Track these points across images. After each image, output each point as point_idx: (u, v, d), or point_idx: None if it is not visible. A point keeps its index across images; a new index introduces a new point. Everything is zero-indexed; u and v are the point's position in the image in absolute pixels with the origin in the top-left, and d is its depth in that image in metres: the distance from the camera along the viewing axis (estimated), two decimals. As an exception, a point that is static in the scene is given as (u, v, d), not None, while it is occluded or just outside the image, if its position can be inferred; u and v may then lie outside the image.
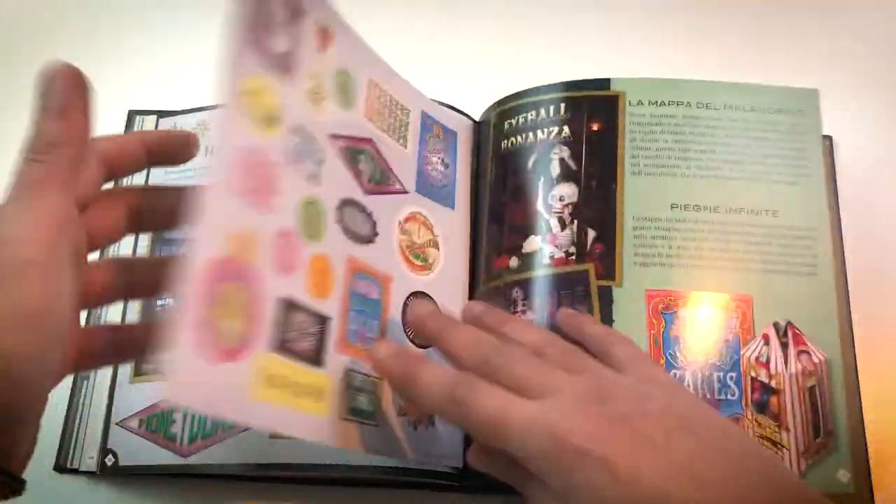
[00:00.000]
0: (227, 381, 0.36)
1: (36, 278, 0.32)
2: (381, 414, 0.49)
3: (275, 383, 0.39)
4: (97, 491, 0.54)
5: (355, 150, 0.49)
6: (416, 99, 0.57)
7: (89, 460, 0.53)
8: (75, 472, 0.54)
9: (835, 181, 0.59)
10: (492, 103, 0.61)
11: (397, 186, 0.53)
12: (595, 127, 0.57)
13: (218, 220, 0.36)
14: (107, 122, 0.46)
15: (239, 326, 0.37)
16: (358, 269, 0.48)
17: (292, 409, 0.40)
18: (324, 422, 0.43)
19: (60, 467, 0.54)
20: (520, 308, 0.54)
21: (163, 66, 0.70)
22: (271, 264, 0.39)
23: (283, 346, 0.40)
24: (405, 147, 0.55)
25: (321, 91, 0.46)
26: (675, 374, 0.51)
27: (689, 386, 0.51)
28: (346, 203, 0.47)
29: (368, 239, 0.49)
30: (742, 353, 0.52)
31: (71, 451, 0.54)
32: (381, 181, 0.52)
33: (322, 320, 0.44)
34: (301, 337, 0.41)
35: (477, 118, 0.63)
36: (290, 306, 0.41)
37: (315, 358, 0.43)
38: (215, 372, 0.35)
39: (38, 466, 0.51)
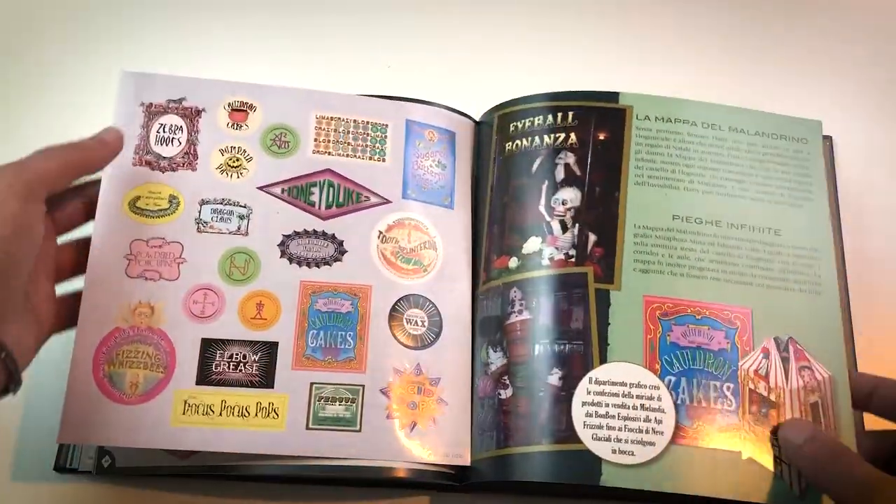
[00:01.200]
0: (147, 417, 0.49)
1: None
2: (363, 420, 0.51)
3: (202, 411, 0.50)
4: (97, 491, 0.54)
5: (303, 187, 0.56)
6: (395, 112, 0.60)
7: (89, 460, 0.53)
8: (74, 472, 0.53)
9: (835, 181, 0.59)
10: (494, 105, 0.62)
11: (372, 200, 0.57)
12: (602, 136, 0.57)
13: (101, 305, 0.50)
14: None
15: (148, 374, 0.50)
16: (318, 290, 0.54)
17: (236, 428, 0.49)
18: (284, 435, 0.50)
19: (60, 467, 0.54)
20: (517, 308, 0.53)
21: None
22: (186, 317, 0.51)
23: (212, 379, 0.50)
24: (383, 161, 0.58)
25: (240, 158, 0.56)
26: (670, 381, 0.50)
27: (683, 392, 0.50)
28: (294, 236, 0.55)
29: (332, 258, 0.55)
30: (740, 364, 0.51)
31: (70, 451, 0.54)
32: (347, 202, 0.56)
33: (266, 346, 0.52)
34: (238, 366, 0.51)
35: (477, 118, 0.63)
36: (216, 343, 0.51)
37: (261, 380, 0.51)
38: (130, 412, 0.49)
39: (38, 466, 0.54)
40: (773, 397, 0.50)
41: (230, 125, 0.57)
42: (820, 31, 0.71)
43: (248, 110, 0.57)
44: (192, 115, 0.56)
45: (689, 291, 0.53)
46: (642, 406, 0.50)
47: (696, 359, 0.51)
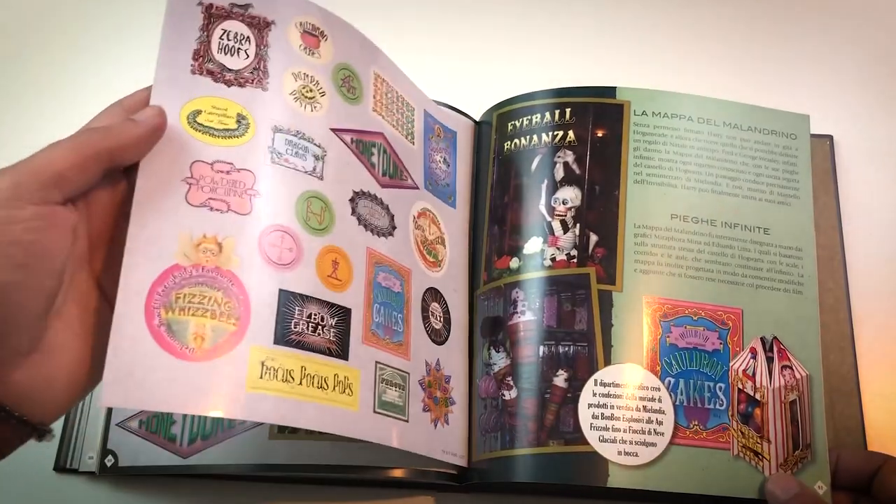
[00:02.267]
0: (218, 378, 0.39)
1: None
2: (410, 409, 0.49)
3: (282, 376, 0.41)
4: (97, 491, 0.53)
5: (366, 144, 0.50)
6: (419, 98, 0.58)
7: (89, 460, 0.52)
8: (75, 472, 0.52)
9: (835, 181, 0.61)
10: (493, 104, 0.61)
11: (409, 181, 0.54)
12: (600, 133, 0.57)
13: (155, 234, 0.40)
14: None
15: (217, 325, 0.40)
16: (379, 262, 0.49)
17: (315, 402, 0.42)
18: (357, 416, 0.44)
19: (60, 467, 0.53)
20: (520, 308, 0.54)
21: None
22: (262, 260, 0.42)
23: (291, 339, 0.42)
24: (413, 143, 0.55)
25: (313, 89, 0.48)
26: (669, 382, 0.52)
27: (681, 393, 0.52)
28: (361, 195, 0.49)
29: (388, 231, 0.50)
30: (731, 364, 0.53)
31: (70, 451, 0.53)
32: (395, 175, 0.52)
33: (341, 311, 0.45)
34: (316, 328, 0.43)
35: (477, 118, 0.63)
36: (295, 298, 0.43)
37: (338, 350, 0.44)
38: (196, 371, 0.38)
39: (38, 466, 0.52)
40: (758, 396, 0.53)
41: (303, 48, 0.49)
42: (820, 30, 0.72)
43: (320, 37, 0.50)
44: (260, 26, 0.48)
45: (686, 292, 0.54)
46: (644, 408, 0.51)
47: (692, 360, 0.53)
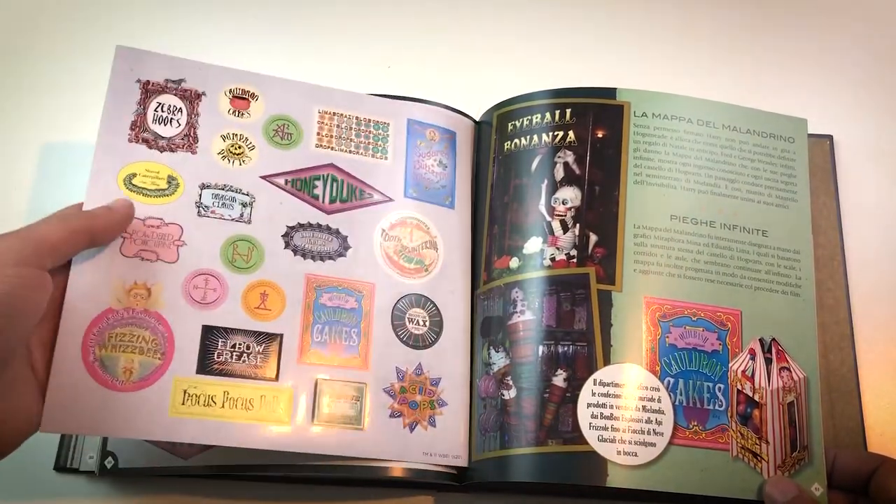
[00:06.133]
0: (143, 406, 0.46)
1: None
2: (367, 418, 0.50)
3: (203, 401, 0.47)
4: (97, 491, 0.53)
5: (307, 179, 0.55)
6: (396, 110, 0.59)
7: (89, 460, 0.52)
8: (75, 471, 0.52)
9: (835, 181, 0.62)
10: (493, 104, 0.61)
11: (376, 198, 0.56)
12: (600, 134, 0.57)
13: (91, 283, 0.47)
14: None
15: (144, 360, 0.47)
16: (322, 284, 0.53)
17: (239, 422, 0.47)
18: (288, 431, 0.48)
19: (60, 467, 0.53)
20: (519, 308, 0.54)
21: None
22: (186, 302, 0.49)
23: (213, 368, 0.48)
24: (385, 159, 0.57)
25: (242, 146, 0.54)
26: (668, 382, 0.52)
27: (680, 393, 0.52)
28: (298, 228, 0.54)
29: (337, 253, 0.54)
30: (730, 365, 0.53)
31: (71, 450, 0.53)
32: (350, 198, 0.55)
33: (270, 338, 0.50)
34: (241, 356, 0.49)
35: (477, 118, 0.63)
36: (218, 332, 0.49)
37: (266, 373, 0.49)
38: (124, 400, 0.45)
39: (38, 466, 0.52)
40: (757, 398, 0.53)
41: (231, 112, 0.55)
42: (821, 30, 0.72)
43: (250, 98, 0.56)
44: (191, 98, 0.54)
45: (685, 293, 0.54)
46: (644, 408, 0.51)
47: (692, 360, 0.53)
